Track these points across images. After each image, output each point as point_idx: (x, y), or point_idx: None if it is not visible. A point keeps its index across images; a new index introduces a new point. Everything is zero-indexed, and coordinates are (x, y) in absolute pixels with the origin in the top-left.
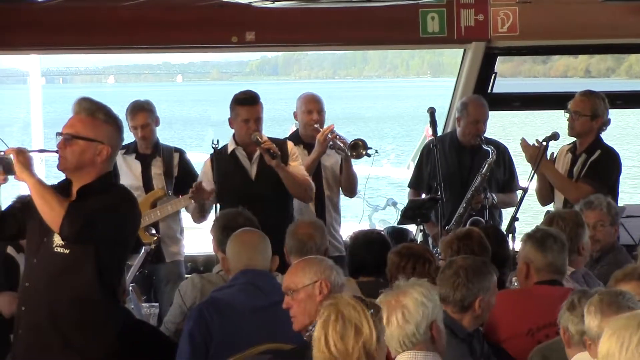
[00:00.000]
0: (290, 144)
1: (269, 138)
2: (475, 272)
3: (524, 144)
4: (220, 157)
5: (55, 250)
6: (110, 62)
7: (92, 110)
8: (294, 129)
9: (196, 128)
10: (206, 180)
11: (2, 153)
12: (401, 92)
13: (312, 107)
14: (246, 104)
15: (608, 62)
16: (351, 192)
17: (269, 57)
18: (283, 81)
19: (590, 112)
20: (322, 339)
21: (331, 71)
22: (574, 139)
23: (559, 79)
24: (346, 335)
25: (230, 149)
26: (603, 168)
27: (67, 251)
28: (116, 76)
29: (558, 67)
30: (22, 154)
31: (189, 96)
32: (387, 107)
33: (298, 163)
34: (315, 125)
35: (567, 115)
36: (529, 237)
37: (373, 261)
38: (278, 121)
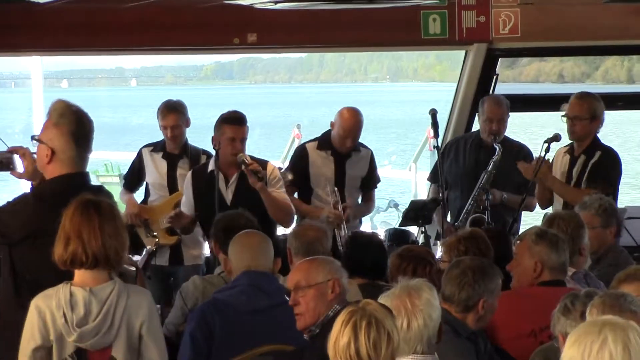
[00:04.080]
0: (270, 166)
1: (252, 158)
2: (482, 273)
3: (523, 166)
4: (199, 175)
5: None
6: (63, 67)
7: (49, 112)
8: (297, 132)
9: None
10: (186, 196)
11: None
12: (362, 97)
13: (349, 135)
14: (234, 124)
15: (582, 67)
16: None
17: (223, 61)
18: (238, 86)
19: (589, 114)
20: (350, 343)
21: (287, 76)
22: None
23: (530, 84)
24: (380, 342)
25: (209, 169)
26: (606, 170)
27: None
28: (69, 80)
29: (529, 72)
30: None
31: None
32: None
33: (279, 186)
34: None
35: (565, 119)
36: (541, 238)
37: (368, 263)
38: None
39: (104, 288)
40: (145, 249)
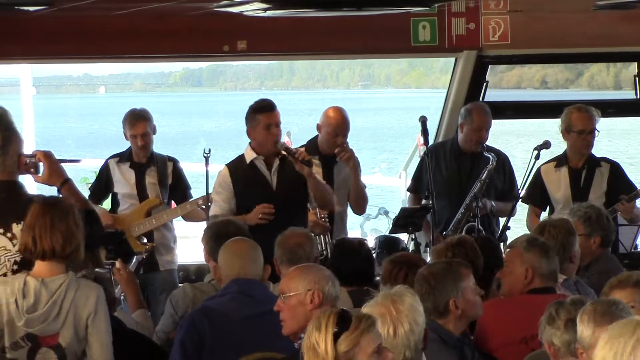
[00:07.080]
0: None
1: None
2: (438, 278)
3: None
4: (236, 168)
5: None
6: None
7: None
8: (288, 139)
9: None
10: (225, 192)
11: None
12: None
13: (339, 131)
14: (265, 111)
15: (565, 72)
16: (360, 209)
17: (191, 68)
18: (207, 93)
19: (595, 124)
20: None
21: (258, 82)
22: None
23: (512, 90)
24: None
25: (248, 160)
26: (624, 178)
27: None
28: (37, 87)
29: (510, 78)
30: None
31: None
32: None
33: (316, 172)
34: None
35: (575, 135)
36: (532, 245)
37: (354, 270)
38: (203, 134)
39: (55, 280)
40: (135, 257)
